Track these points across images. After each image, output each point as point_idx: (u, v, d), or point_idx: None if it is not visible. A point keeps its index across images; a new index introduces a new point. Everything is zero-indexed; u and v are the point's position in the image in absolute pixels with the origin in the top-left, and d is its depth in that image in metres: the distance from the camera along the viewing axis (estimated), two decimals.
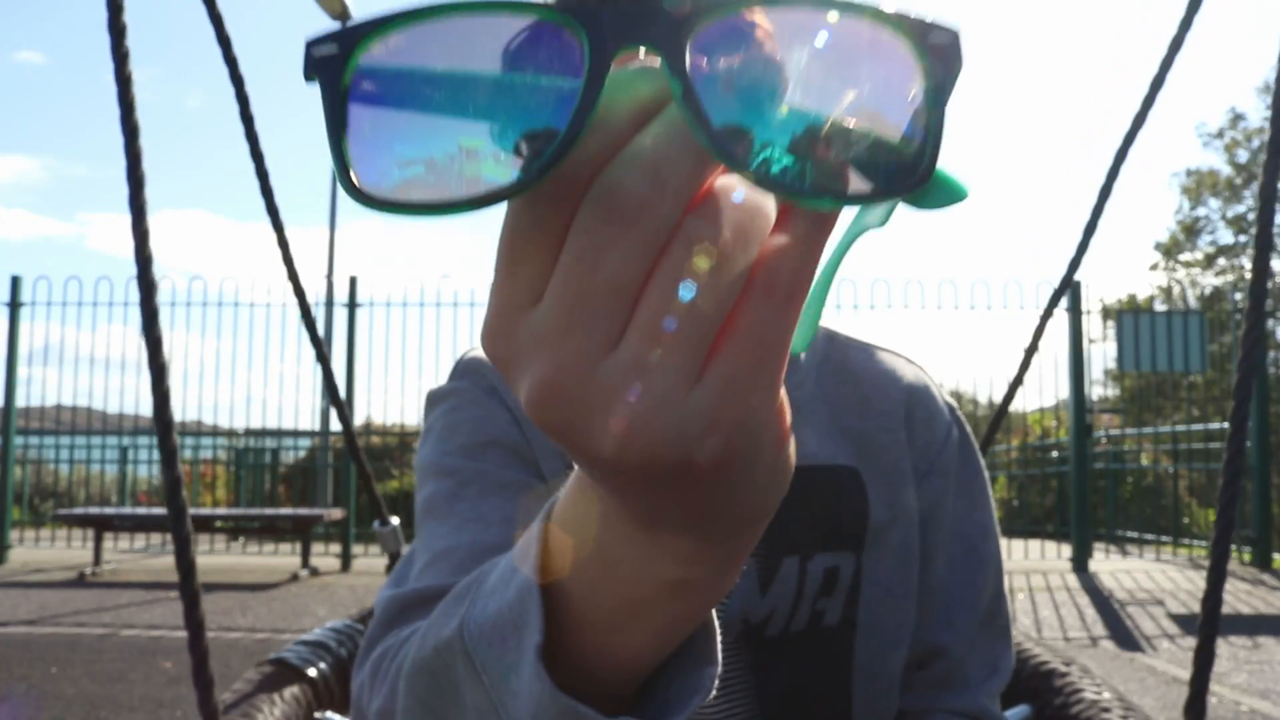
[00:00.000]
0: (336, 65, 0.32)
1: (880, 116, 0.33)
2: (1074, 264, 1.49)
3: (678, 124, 0.31)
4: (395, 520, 1.63)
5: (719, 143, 0.31)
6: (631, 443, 0.32)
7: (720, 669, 0.45)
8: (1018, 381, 1.65)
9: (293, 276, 1.54)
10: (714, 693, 0.45)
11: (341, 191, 0.33)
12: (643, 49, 0.32)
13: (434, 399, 0.89)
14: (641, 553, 0.39)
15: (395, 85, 0.32)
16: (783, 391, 0.35)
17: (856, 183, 0.32)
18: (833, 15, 0.32)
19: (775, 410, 0.35)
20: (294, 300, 1.56)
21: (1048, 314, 1.63)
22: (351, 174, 0.32)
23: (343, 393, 1.66)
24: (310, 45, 0.32)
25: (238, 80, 1.34)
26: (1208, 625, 0.86)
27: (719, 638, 0.45)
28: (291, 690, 1.11)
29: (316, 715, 1.13)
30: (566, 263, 0.32)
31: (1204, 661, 0.88)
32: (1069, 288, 1.53)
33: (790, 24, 0.32)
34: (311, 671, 1.15)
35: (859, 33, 0.32)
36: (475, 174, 0.32)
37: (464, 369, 0.89)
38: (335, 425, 10.11)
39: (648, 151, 0.32)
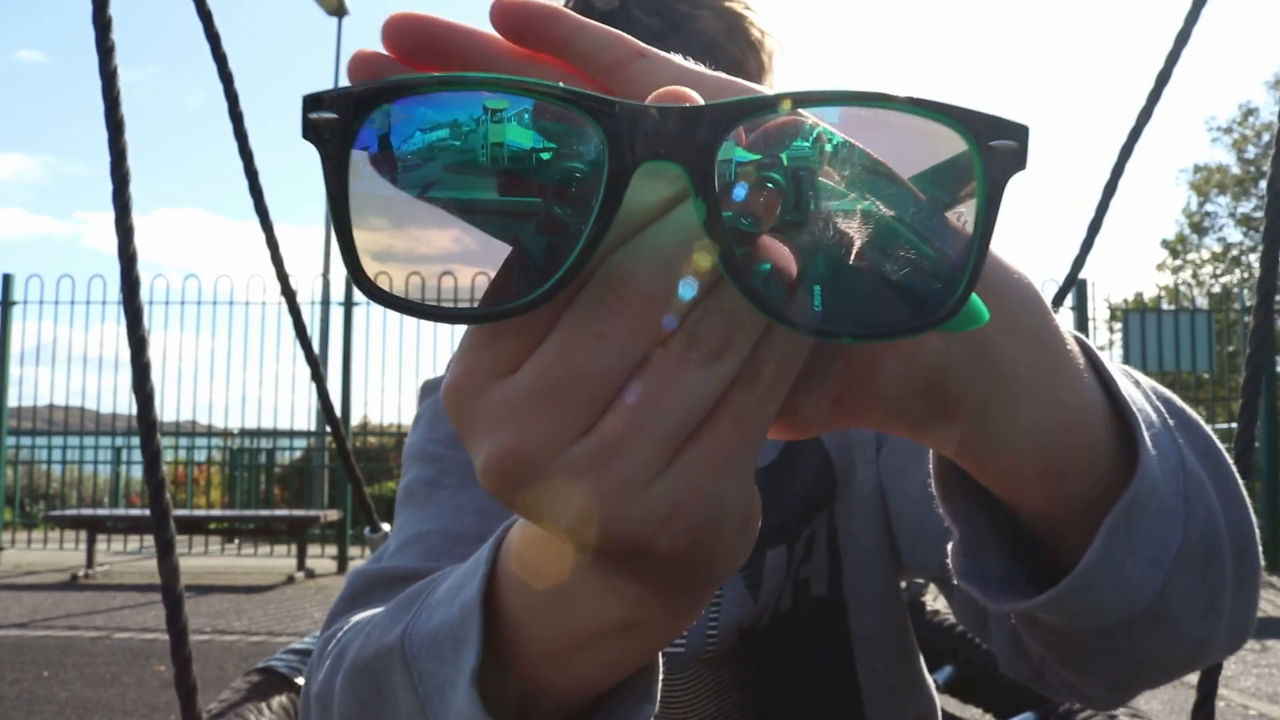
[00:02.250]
0: (337, 132, 0.30)
1: (917, 240, 0.32)
2: (1078, 262, 1.46)
3: (696, 227, 0.30)
4: (386, 526, 1.62)
5: (741, 278, 0.30)
6: (590, 525, 0.32)
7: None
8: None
9: (286, 290, 1.51)
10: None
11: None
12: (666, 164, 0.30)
13: (427, 388, 0.89)
14: (593, 590, 0.37)
15: (401, 165, 0.31)
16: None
17: (880, 318, 0.32)
18: (879, 112, 0.31)
19: (746, 494, 0.34)
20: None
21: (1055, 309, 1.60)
22: (362, 263, 0.31)
23: (339, 392, 1.69)
24: (306, 107, 0.30)
25: (227, 78, 1.34)
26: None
27: (660, 677, 0.44)
28: (279, 700, 1.09)
29: None
30: (558, 341, 0.31)
31: (1213, 669, 0.85)
32: (1073, 285, 1.50)
33: (828, 122, 0.31)
34: (299, 680, 1.13)
35: (908, 134, 0.31)
36: (488, 281, 0.32)
37: None
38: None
39: (664, 250, 0.31)
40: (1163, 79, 1.30)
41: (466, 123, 0.30)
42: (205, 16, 1.22)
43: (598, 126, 0.30)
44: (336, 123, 0.30)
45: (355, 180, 0.30)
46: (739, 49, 0.71)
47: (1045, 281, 8.34)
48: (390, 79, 0.30)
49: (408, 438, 0.88)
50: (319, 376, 1.65)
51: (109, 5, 0.98)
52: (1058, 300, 1.57)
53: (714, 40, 0.70)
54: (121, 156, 0.98)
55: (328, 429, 10.01)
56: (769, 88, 0.65)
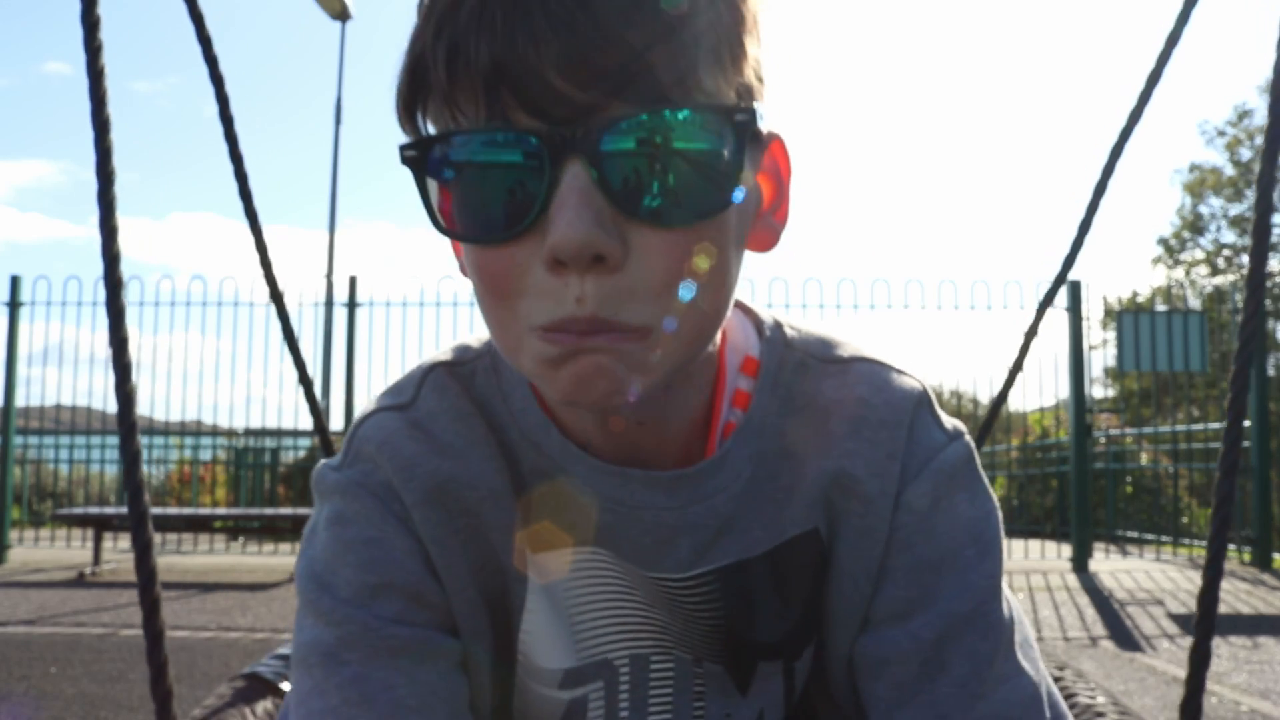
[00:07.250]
0: (420, 155, 0.62)
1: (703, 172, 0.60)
2: (1068, 261, 1.48)
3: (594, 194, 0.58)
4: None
5: (616, 199, 0.59)
6: None
7: None
8: (1009, 383, 1.65)
9: (272, 288, 1.54)
10: None
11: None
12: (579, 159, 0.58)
13: (322, 489, 0.74)
14: None
15: (451, 170, 0.61)
16: None
17: (694, 207, 0.60)
18: (672, 127, 0.59)
19: None
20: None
21: (1040, 314, 1.62)
22: (436, 215, 0.63)
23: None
24: (402, 148, 0.62)
25: (218, 80, 1.35)
26: (1204, 623, 0.82)
27: None
28: (264, 705, 1.07)
29: None
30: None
31: (1200, 660, 0.84)
32: (1063, 283, 1.52)
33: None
34: (285, 685, 1.12)
35: (689, 125, 0.59)
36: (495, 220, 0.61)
37: (357, 452, 0.73)
38: (335, 425, 10.11)
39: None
40: (1153, 79, 1.30)
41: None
42: (197, 19, 1.24)
43: (544, 146, 0.58)
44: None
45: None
46: (716, 10, 0.62)
47: (1040, 283, 8.41)
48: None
49: (299, 557, 0.72)
50: (304, 373, 1.70)
51: (97, 5, 0.98)
52: (1048, 299, 1.59)
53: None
54: (107, 155, 0.98)
55: (335, 425, 10.00)
56: (752, 46, 0.65)
